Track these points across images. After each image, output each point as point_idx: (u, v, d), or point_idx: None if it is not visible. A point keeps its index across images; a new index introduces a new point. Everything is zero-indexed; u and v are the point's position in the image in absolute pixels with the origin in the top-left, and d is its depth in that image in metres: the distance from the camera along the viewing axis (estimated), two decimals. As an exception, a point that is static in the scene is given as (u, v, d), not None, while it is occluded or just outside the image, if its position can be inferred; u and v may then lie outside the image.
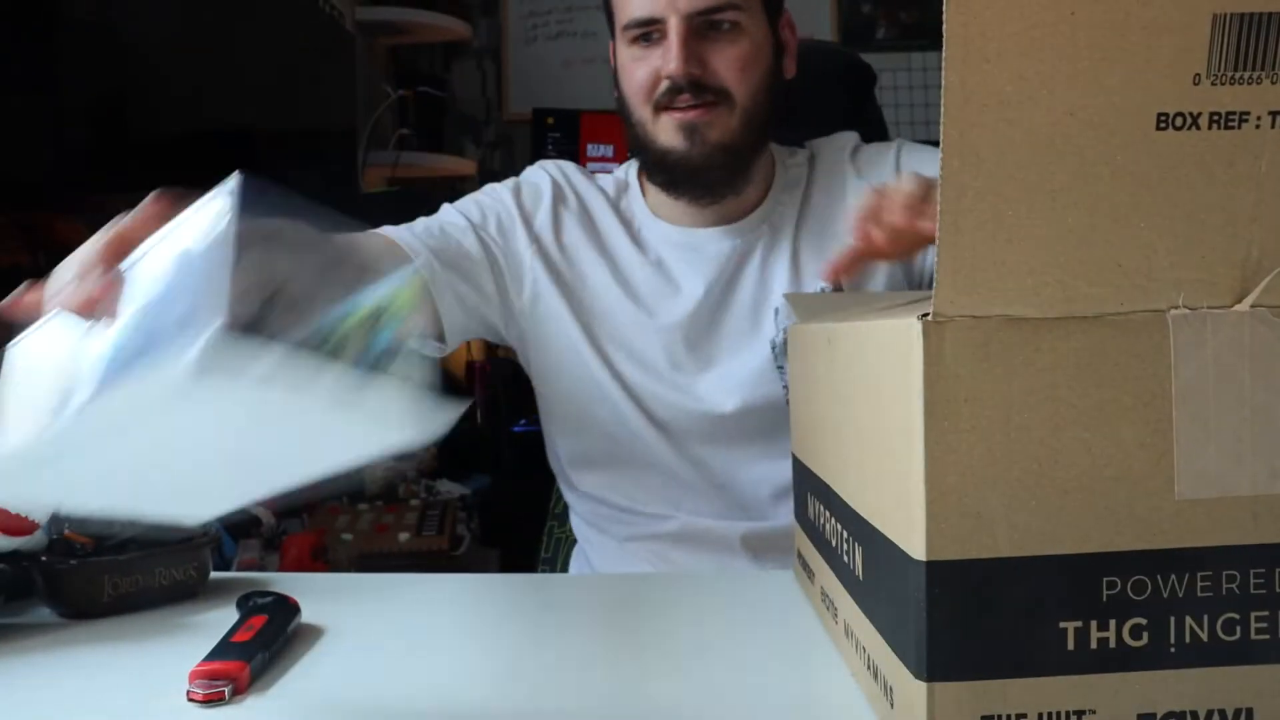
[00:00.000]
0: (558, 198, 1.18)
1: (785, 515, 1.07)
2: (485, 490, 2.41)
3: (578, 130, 2.80)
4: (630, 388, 1.14)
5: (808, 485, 0.80)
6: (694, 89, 1.05)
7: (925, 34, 3.36)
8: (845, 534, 0.66)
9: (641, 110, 1.09)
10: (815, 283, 1.11)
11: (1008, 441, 0.49)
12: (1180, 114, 0.48)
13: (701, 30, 1.04)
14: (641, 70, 1.07)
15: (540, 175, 1.22)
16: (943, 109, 0.46)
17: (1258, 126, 0.48)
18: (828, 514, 0.72)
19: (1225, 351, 0.50)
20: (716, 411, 1.11)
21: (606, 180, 1.23)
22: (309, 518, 2.16)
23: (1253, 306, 0.51)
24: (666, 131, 1.08)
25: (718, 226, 1.15)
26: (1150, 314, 0.50)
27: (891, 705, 0.56)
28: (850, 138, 1.21)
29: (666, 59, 1.05)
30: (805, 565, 0.83)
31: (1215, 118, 0.48)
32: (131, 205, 0.57)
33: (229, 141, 1.97)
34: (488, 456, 2.57)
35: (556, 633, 0.79)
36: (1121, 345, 0.50)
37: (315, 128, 2.42)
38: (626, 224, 1.18)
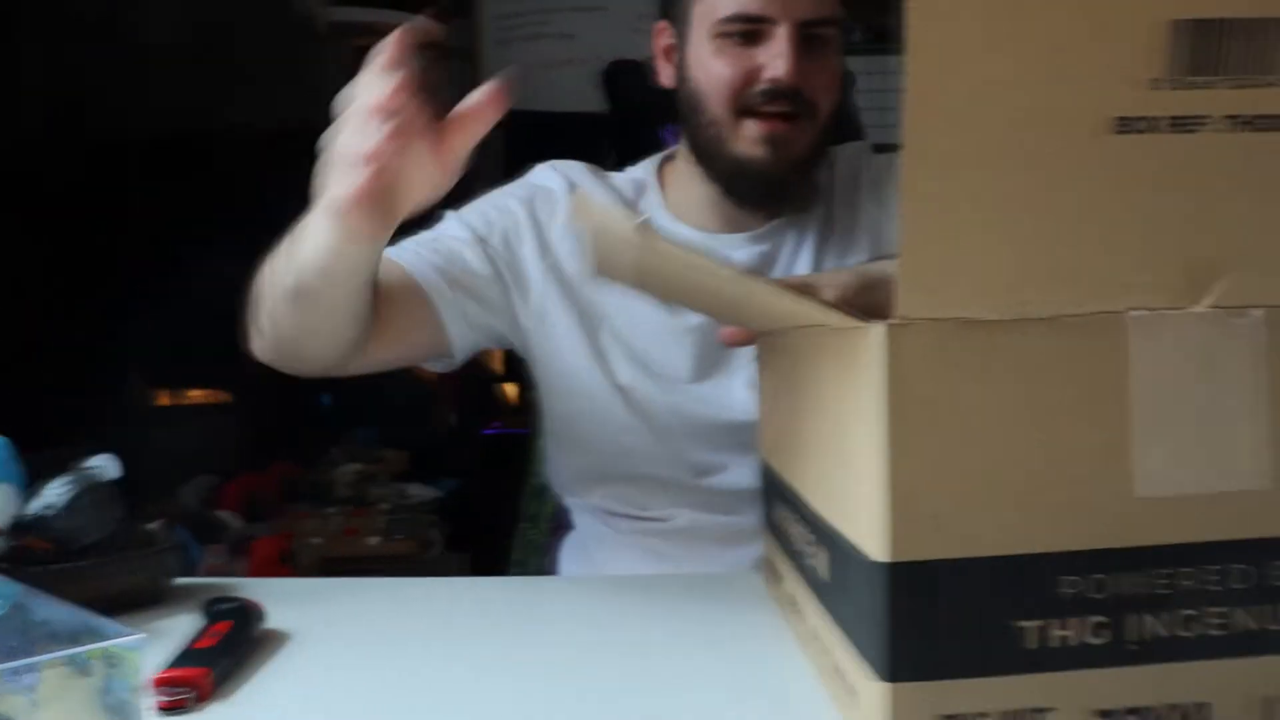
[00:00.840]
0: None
1: None
2: (456, 494, 2.40)
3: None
4: (640, 402, 1.10)
5: (774, 490, 0.80)
6: (793, 98, 1.01)
7: (901, 37, 3.37)
8: (810, 538, 0.66)
9: (721, 110, 1.03)
10: None
11: (967, 443, 0.50)
12: (1140, 118, 0.48)
13: (804, 40, 1.01)
14: (732, 68, 1.02)
15: (553, 179, 1.16)
16: (903, 115, 0.47)
17: (1214, 130, 0.49)
18: (794, 518, 0.72)
19: (1179, 352, 0.51)
20: (737, 419, 1.09)
21: (622, 180, 1.18)
22: (276, 522, 2.15)
23: (1207, 308, 0.51)
24: (748, 141, 1.03)
25: (741, 233, 1.12)
26: (1106, 316, 0.50)
27: (856, 707, 0.56)
28: (861, 147, 1.20)
29: (774, 62, 1.00)
30: (773, 569, 0.84)
31: (1174, 122, 0.48)
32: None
33: (196, 141, 1.96)
34: (459, 460, 2.56)
35: (525, 637, 0.78)
36: (1077, 347, 0.50)
37: (285, 129, 2.40)
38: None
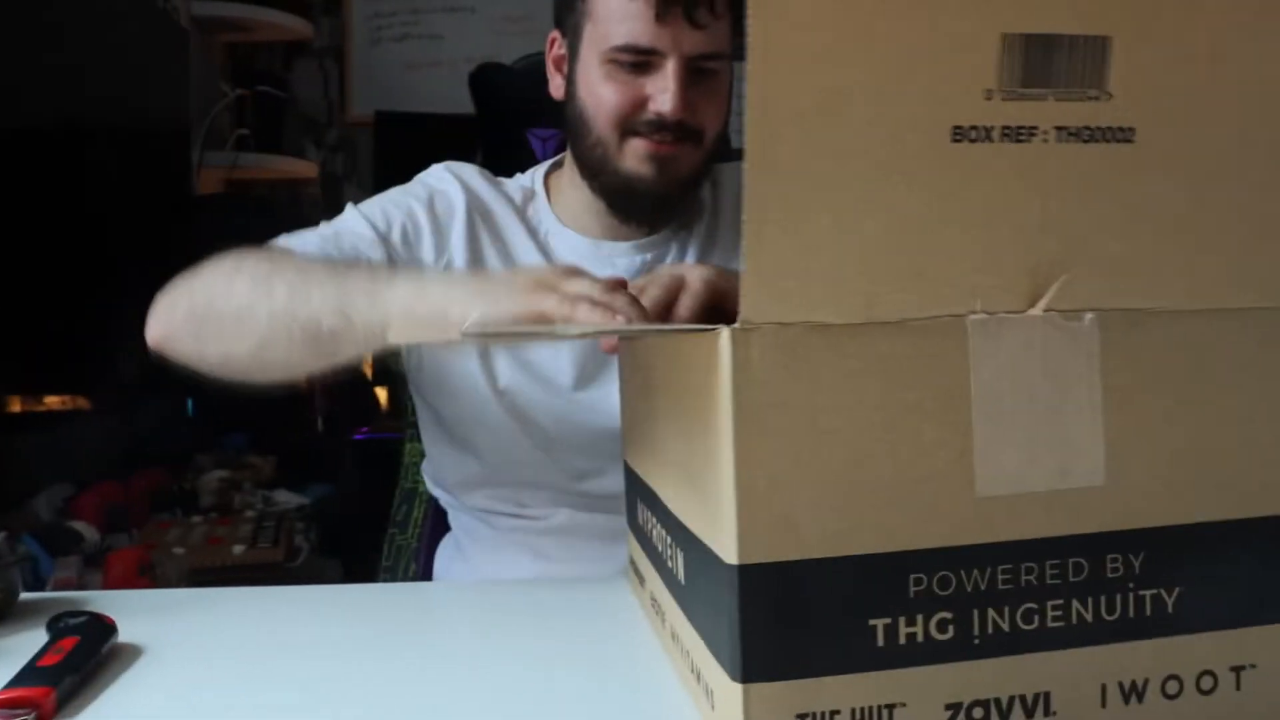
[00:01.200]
0: (471, 209, 1.13)
1: None
2: (325, 499, 2.36)
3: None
4: (523, 407, 1.10)
5: (637, 491, 0.81)
6: (677, 128, 1.02)
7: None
8: (669, 540, 0.67)
9: (607, 131, 1.04)
10: None
11: (815, 445, 0.51)
12: (975, 127, 0.50)
13: (692, 73, 1.02)
14: (619, 95, 1.03)
15: (449, 183, 1.15)
16: (746, 120, 0.47)
17: (1045, 140, 0.51)
18: (654, 520, 0.73)
19: (1019, 354, 0.53)
20: (618, 426, 1.09)
21: (513, 187, 1.18)
22: (137, 532, 2.08)
23: (1044, 311, 0.53)
24: (634, 158, 1.04)
25: (628, 241, 1.13)
26: (950, 319, 0.52)
27: (712, 708, 0.57)
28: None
29: (661, 97, 1.01)
30: (637, 571, 0.84)
31: (1007, 131, 0.50)
32: None
33: (53, 138, 1.88)
34: (328, 465, 2.51)
35: (387, 643, 0.77)
36: (923, 349, 0.52)
37: (145, 126, 2.32)
38: (533, 232, 1.15)
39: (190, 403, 2.44)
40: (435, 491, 1.26)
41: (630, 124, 1.03)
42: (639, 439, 0.79)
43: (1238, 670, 0.57)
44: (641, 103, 1.02)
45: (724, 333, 0.50)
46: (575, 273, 0.78)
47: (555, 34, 1.12)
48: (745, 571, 0.50)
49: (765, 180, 0.48)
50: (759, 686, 0.51)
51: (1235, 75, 0.53)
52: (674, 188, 1.07)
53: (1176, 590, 0.56)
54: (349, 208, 1.11)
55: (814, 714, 0.52)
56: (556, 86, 1.12)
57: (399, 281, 0.86)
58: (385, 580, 1.40)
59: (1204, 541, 0.56)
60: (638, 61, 1.01)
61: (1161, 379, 0.55)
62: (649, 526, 0.76)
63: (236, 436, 2.50)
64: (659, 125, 1.02)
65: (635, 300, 0.74)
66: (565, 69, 1.10)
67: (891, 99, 0.49)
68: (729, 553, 0.51)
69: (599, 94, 1.04)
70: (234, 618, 0.86)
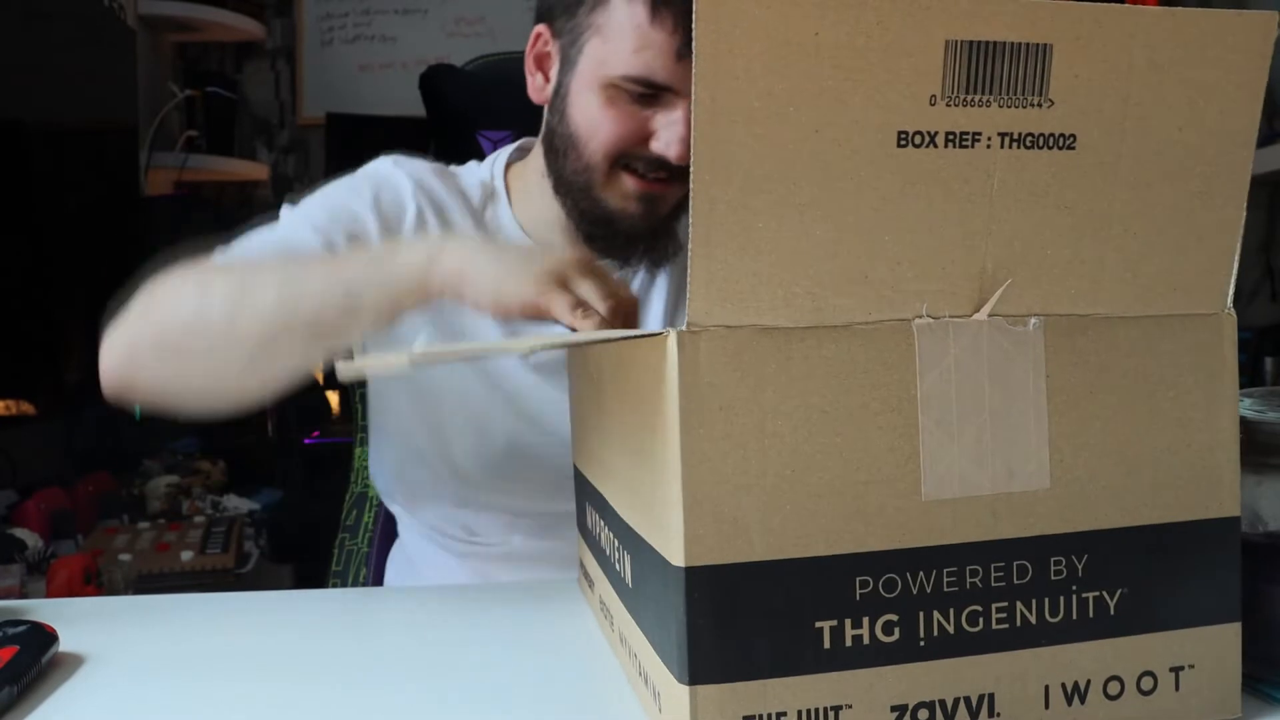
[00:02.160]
0: (421, 206, 1.04)
1: None
2: (275, 505, 2.34)
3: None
4: (482, 422, 1.05)
5: (585, 495, 0.81)
6: (673, 168, 0.95)
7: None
8: (616, 543, 0.67)
9: (597, 159, 0.96)
10: None
11: (762, 448, 0.51)
12: (919, 133, 0.50)
13: None
14: (620, 125, 0.94)
15: (399, 178, 1.06)
16: (693, 124, 0.47)
17: (989, 146, 0.51)
18: (602, 523, 0.73)
19: (965, 358, 0.53)
20: None
21: (470, 182, 1.10)
22: (83, 538, 2.05)
23: (990, 316, 0.54)
24: (621, 195, 0.98)
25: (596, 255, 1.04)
26: (896, 323, 0.52)
27: (660, 710, 0.57)
28: None
29: (666, 136, 0.93)
30: (586, 575, 0.84)
31: (950, 137, 0.51)
32: None
33: (-7, 137, 1.85)
34: (278, 470, 2.49)
35: (338, 650, 0.77)
36: (869, 353, 0.52)
37: (91, 126, 2.29)
38: (491, 237, 1.06)
39: (138, 407, 2.40)
40: (388, 504, 1.23)
41: (625, 157, 0.96)
42: (587, 443, 0.79)
43: (1177, 671, 0.58)
44: (643, 138, 0.95)
45: (671, 336, 0.50)
46: (591, 270, 0.75)
47: (543, 30, 1.02)
48: (692, 574, 0.50)
49: (712, 185, 0.48)
50: (706, 689, 0.51)
51: (1174, 83, 0.54)
52: (654, 224, 1.01)
53: (1119, 592, 0.57)
54: (286, 210, 1.03)
55: (760, 715, 0.52)
56: (537, 89, 1.04)
57: (405, 249, 0.81)
58: (336, 586, 1.38)
59: (1146, 544, 0.57)
60: (646, 94, 0.94)
61: (1105, 383, 0.56)
62: (597, 530, 0.75)
63: (185, 441, 2.47)
64: (657, 164, 0.96)
65: (634, 312, 0.72)
66: (551, 73, 1.01)
67: (837, 104, 0.49)
68: (676, 555, 0.51)
69: (597, 120, 0.96)
70: (181, 625, 0.85)
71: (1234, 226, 0.57)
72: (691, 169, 0.48)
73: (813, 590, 0.52)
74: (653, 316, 1.09)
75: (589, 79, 0.96)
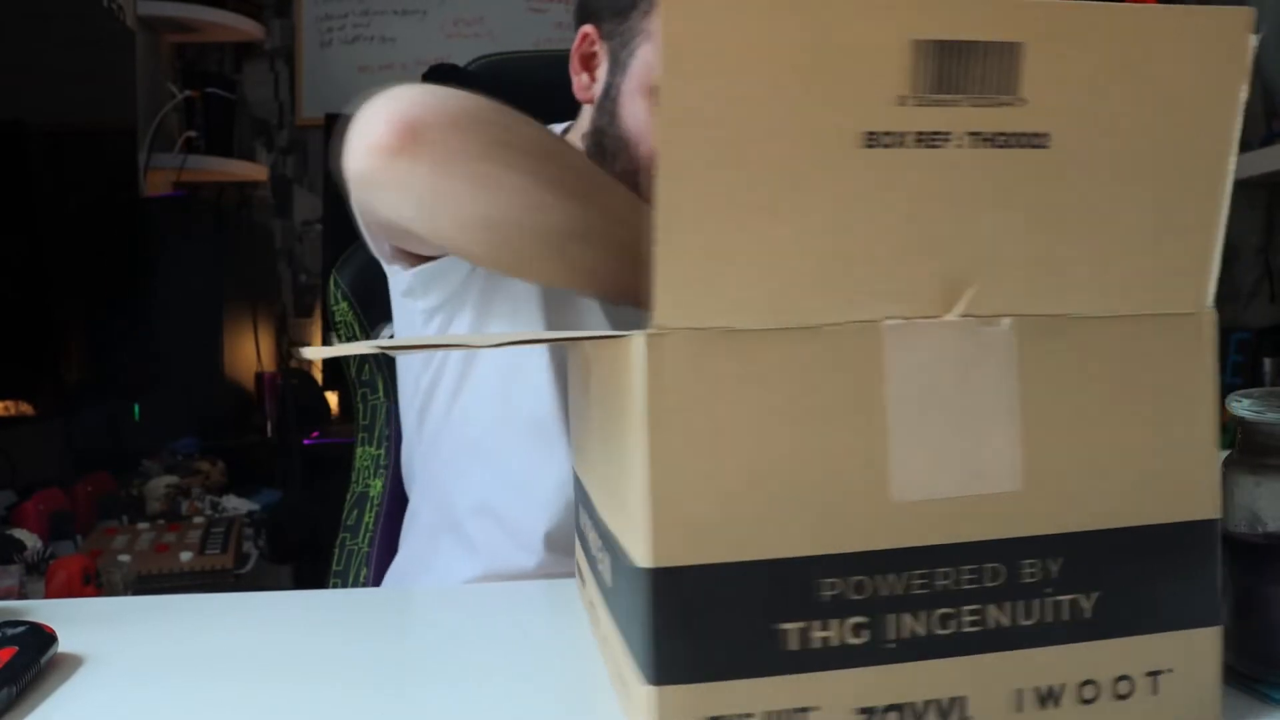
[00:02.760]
0: None
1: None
2: (275, 505, 2.34)
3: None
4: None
5: (580, 496, 0.81)
6: None
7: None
8: (600, 543, 0.67)
9: (648, 161, 0.95)
10: None
11: (728, 450, 0.51)
12: (888, 133, 0.50)
13: None
14: None
15: None
16: (656, 127, 0.47)
17: (959, 146, 0.51)
18: (590, 524, 0.73)
19: (935, 359, 0.53)
20: None
21: None
22: (83, 539, 2.05)
23: (960, 317, 0.53)
24: None
25: None
26: (864, 324, 0.52)
27: (632, 711, 0.56)
28: None
29: None
30: (580, 574, 0.84)
31: (920, 137, 0.50)
32: None
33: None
34: (278, 471, 2.49)
35: (337, 651, 0.76)
36: (836, 355, 0.52)
37: (91, 126, 2.29)
38: None
39: (137, 407, 2.41)
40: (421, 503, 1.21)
41: None
42: (580, 445, 0.79)
43: (1154, 675, 0.57)
44: None
45: (638, 338, 0.50)
46: None
47: (590, 31, 1.03)
48: (657, 575, 0.50)
49: (676, 187, 0.48)
50: (670, 689, 0.51)
51: (1148, 81, 0.53)
52: None
53: (1095, 595, 0.56)
54: None
55: (726, 717, 0.52)
56: (583, 87, 1.05)
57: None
58: (336, 586, 1.39)
59: (1123, 547, 0.56)
60: None
61: (1079, 384, 0.56)
62: (586, 530, 0.76)
63: (185, 441, 2.48)
64: None
65: None
66: (599, 73, 1.03)
67: (801, 106, 0.49)
68: (642, 556, 0.51)
69: (647, 123, 0.97)
70: (180, 626, 0.85)
71: (1213, 225, 0.57)
72: (655, 172, 0.48)
73: (778, 592, 0.52)
74: None
75: (640, 83, 0.98)
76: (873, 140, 0.50)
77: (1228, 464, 0.63)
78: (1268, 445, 0.62)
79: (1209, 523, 0.57)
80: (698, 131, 0.48)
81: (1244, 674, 0.62)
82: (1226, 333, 2.29)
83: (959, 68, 0.50)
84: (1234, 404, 0.63)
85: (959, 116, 0.50)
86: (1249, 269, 2.26)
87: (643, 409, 0.50)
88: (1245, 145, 2.24)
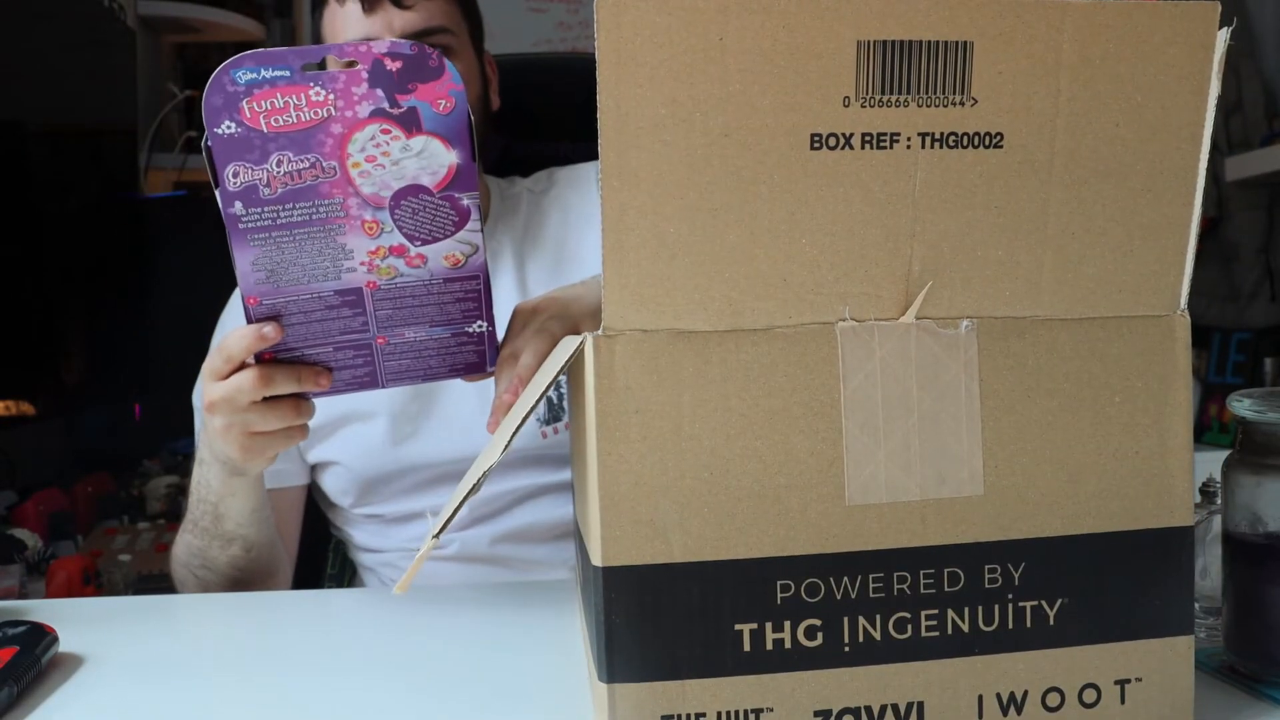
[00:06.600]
0: None
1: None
2: (274, 506, 2.34)
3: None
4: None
5: (572, 500, 0.81)
6: None
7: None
8: (576, 542, 0.67)
9: None
10: None
11: (680, 451, 0.51)
12: (833, 134, 0.50)
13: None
14: None
15: None
16: (599, 131, 0.47)
17: (908, 147, 0.50)
18: (576, 524, 0.73)
19: (892, 361, 0.53)
20: (439, 459, 1.08)
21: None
22: (83, 539, 2.06)
23: (919, 318, 0.53)
24: None
25: None
26: (818, 326, 0.52)
27: (595, 708, 0.56)
28: (594, 167, 1.19)
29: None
30: (574, 573, 0.84)
31: (867, 138, 0.50)
32: None
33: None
34: (276, 471, 2.49)
35: (335, 649, 0.77)
36: (790, 357, 0.51)
37: (91, 126, 2.30)
38: None
39: (137, 407, 2.41)
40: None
41: None
42: (571, 446, 0.80)
43: (1123, 684, 0.56)
44: None
45: (588, 340, 0.50)
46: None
47: None
48: (609, 574, 0.50)
49: (622, 190, 0.48)
50: (623, 687, 0.51)
51: (1109, 78, 0.52)
52: None
53: (1059, 602, 0.55)
54: None
55: (680, 716, 0.52)
56: None
57: None
58: (331, 587, 1.39)
59: (1089, 553, 0.55)
60: None
61: (1043, 387, 0.55)
62: (576, 530, 0.76)
63: (185, 441, 2.47)
64: None
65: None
66: None
67: (746, 108, 0.48)
68: (596, 555, 0.51)
69: None
70: (179, 626, 0.85)
71: (1183, 224, 0.56)
72: (600, 176, 0.47)
73: (732, 593, 0.51)
74: (500, 308, 1.14)
75: None
76: (819, 142, 0.49)
77: (1228, 464, 0.63)
78: (1268, 445, 0.62)
79: (1181, 530, 0.56)
80: (640, 137, 0.48)
81: (1244, 674, 0.61)
82: (1227, 333, 2.27)
83: (906, 68, 0.49)
84: (1234, 404, 0.63)
85: (908, 117, 0.50)
86: (1249, 269, 2.24)
87: (593, 409, 0.50)
88: (1245, 145, 2.23)
